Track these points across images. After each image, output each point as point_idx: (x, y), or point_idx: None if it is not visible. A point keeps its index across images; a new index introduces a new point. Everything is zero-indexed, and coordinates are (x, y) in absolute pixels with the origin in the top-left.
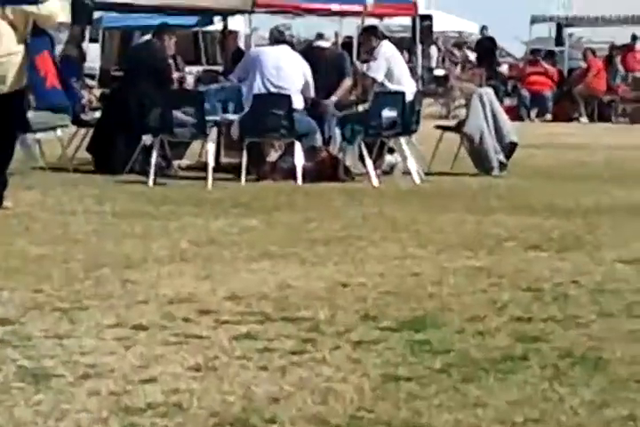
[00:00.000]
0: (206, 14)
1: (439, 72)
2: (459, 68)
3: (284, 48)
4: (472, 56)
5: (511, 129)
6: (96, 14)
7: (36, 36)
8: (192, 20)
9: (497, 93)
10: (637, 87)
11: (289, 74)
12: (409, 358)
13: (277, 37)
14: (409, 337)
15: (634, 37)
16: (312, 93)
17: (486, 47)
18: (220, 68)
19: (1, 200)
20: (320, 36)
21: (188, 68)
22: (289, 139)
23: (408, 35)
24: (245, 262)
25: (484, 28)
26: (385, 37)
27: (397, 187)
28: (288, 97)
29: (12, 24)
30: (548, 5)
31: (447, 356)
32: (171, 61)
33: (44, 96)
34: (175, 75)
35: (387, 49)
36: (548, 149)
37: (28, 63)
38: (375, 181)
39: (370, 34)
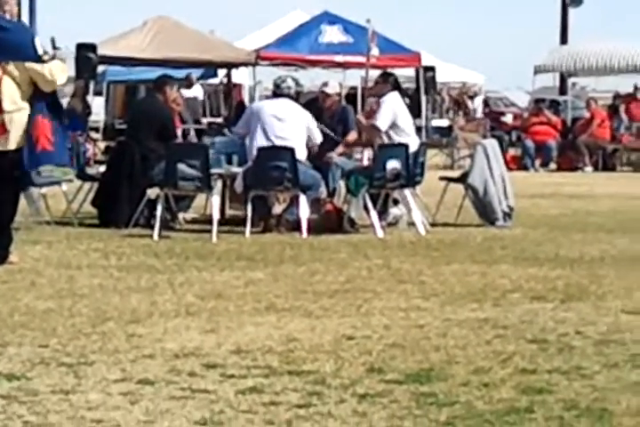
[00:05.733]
0: (210, 67)
1: (443, 123)
2: (462, 118)
3: (284, 101)
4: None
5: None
6: (100, 68)
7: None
8: (196, 72)
9: (501, 144)
10: None
11: (290, 125)
12: (414, 410)
13: (275, 91)
14: (414, 390)
15: (636, 87)
16: (319, 140)
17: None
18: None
19: (6, 255)
20: (325, 84)
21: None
22: (293, 191)
23: (412, 85)
24: (251, 316)
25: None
26: (398, 87)
27: (402, 238)
28: (291, 149)
29: (15, 81)
30: (551, 55)
31: (452, 408)
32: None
33: (33, 159)
34: (179, 128)
35: (393, 100)
36: (553, 198)
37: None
38: (380, 233)
39: (385, 80)
